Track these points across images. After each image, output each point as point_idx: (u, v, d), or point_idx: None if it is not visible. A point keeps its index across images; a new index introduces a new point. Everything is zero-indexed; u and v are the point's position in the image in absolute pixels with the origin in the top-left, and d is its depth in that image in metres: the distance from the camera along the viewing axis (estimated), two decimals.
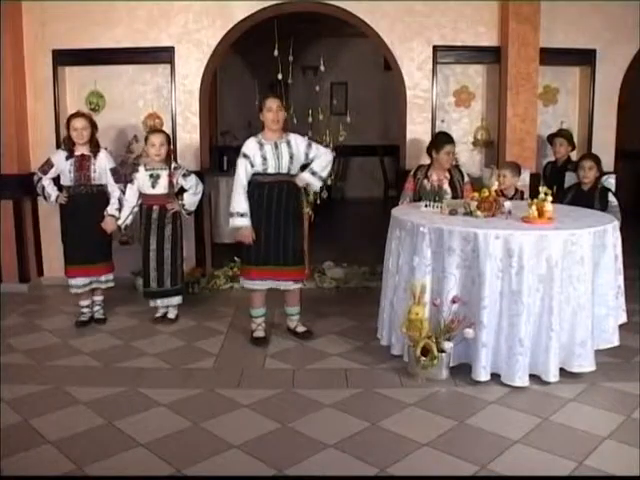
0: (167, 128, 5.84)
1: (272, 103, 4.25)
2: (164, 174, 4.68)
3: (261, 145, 4.25)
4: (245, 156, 4.25)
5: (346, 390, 3.64)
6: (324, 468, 2.86)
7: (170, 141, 4.81)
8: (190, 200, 4.80)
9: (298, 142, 4.34)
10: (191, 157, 5.87)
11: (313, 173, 4.36)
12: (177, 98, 5.81)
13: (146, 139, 4.71)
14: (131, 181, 4.70)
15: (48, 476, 2.81)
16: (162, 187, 4.68)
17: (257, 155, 4.23)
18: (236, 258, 5.99)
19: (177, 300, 4.85)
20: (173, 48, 5.75)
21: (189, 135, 5.87)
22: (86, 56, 5.71)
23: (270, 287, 4.39)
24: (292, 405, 3.46)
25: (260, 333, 4.43)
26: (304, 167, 4.40)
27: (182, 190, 4.82)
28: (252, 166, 4.24)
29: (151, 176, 4.66)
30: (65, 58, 5.74)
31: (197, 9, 5.73)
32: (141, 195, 4.71)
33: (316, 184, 4.44)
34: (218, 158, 7.78)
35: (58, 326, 4.75)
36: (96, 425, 3.23)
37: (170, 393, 3.58)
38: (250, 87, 9.51)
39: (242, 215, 4.23)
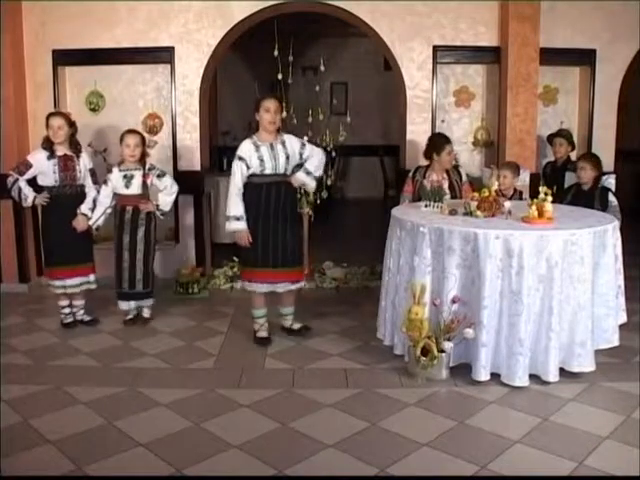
0: (167, 128, 5.87)
1: (270, 104, 4.22)
2: (138, 174, 4.64)
3: (257, 147, 4.23)
4: (241, 159, 4.22)
5: (346, 390, 3.64)
6: (324, 468, 2.86)
7: (145, 142, 4.77)
8: (164, 200, 4.75)
9: (292, 142, 4.34)
10: (191, 157, 5.87)
11: (308, 173, 4.35)
12: (177, 98, 5.81)
13: (121, 139, 4.66)
14: (105, 182, 4.67)
15: (48, 476, 2.81)
16: (136, 187, 4.64)
17: (253, 157, 4.20)
18: (235, 258, 6.00)
19: (150, 302, 4.84)
20: (173, 48, 5.76)
21: (189, 135, 5.87)
22: (86, 56, 5.71)
23: (269, 290, 4.38)
24: (292, 405, 3.46)
25: (263, 333, 4.43)
26: (297, 167, 4.38)
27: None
28: (248, 168, 4.22)
29: (125, 177, 4.63)
30: (65, 58, 5.74)
31: (197, 9, 5.73)
32: (115, 196, 4.68)
33: (311, 184, 4.43)
34: (218, 158, 7.78)
35: (58, 326, 4.74)
36: (96, 425, 3.23)
37: (170, 393, 3.58)
38: (250, 87, 9.51)
39: (238, 219, 4.22)
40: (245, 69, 10.34)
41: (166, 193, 4.76)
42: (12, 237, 5.67)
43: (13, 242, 5.67)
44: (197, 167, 5.89)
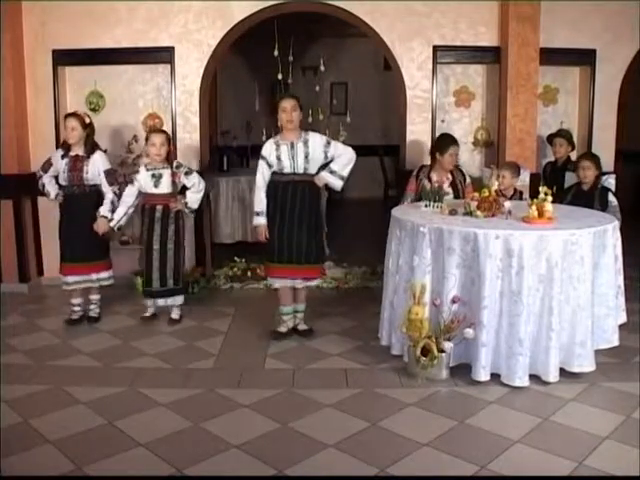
0: (167, 128, 5.84)
1: (286, 103, 4.28)
2: (166, 173, 4.67)
3: (277, 146, 4.31)
4: (262, 157, 4.35)
5: (346, 390, 3.64)
6: (324, 468, 2.86)
7: (170, 141, 4.80)
8: (193, 198, 4.78)
9: (316, 141, 4.36)
10: (191, 157, 5.87)
11: (332, 172, 4.37)
12: (177, 98, 5.81)
13: (146, 139, 4.70)
14: (131, 181, 4.69)
15: (48, 476, 2.81)
16: (165, 186, 4.66)
17: (273, 155, 4.30)
18: (236, 258, 6.01)
19: (180, 300, 4.85)
20: (173, 48, 5.76)
21: (189, 135, 5.87)
22: (86, 56, 5.71)
23: (287, 286, 4.43)
24: (292, 405, 3.46)
25: (283, 329, 4.48)
26: (324, 166, 4.41)
27: (185, 188, 4.81)
28: (270, 167, 4.32)
29: (153, 176, 4.65)
30: (65, 58, 5.74)
31: (197, 9, 5.73)
32: (142, 195, 4.70)
33: (336, 183, 4.43)
34: (218, 158, 7.77)
35: (58, 326, 4.75)
36: (96, 425, 3.23)
37: (170, 393, 3.58)
38: (250, 87, 9.55)
39: (258, 214, 4.37)
40: (245, 69, 10.34)
41: (194, 190, 4.77)
42: (12, 237, 5.66)
43: (13, 242, 5.67)
44: (197, 167, 5.89)
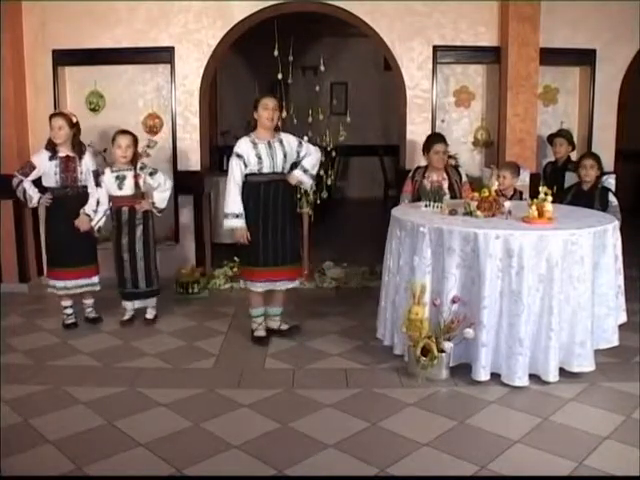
0: (167, 128, 5.88)
1: (268, 101, 4.24)
2: (130, 175, 4.61)
3: (254, 144, 4.23)
4: (239, 156, 4.21)
5: (346, 390, 3.64)
6: (324, 468, 2.86)
7: (137, 143, 4.73)
8: (160, 197, 4.72)
9: (290, 141, 4.35)
10: (191, 157, 5.88)
11: (305, 171, 4.35)
12: (177, 98, 5.82)
13: (113, 140, 4.63)
14: (99, 184, 4.64)
15: (48, 476, 2.81)
16: (129, 188, 4.61)
17: (251, 155, 4.21)
18: (236, 258, 5.99)
19: (152, 302, 4.83)
20: (173, 48, 5.76)
21: (189, 135, 5.87)
22: (86, 56, 5.72)
23: (269, 289, 4.38)
24: (292, 405, 3.46)
25: (261, 332, 4.43)
26: (293, 166, 4.38)
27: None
28: (246, 166, 4.22)
29: (117, 178, 4.60)
30: (65, 58, 5.75)
31: (197, 9, 5.74)
32: (110, 197, 4.67)
33: (308, 182, 4.43)
34: (218, 158, 7.78)
35: (58, 326, 4.74)
36: (96, 425, 3.23)
37: (170, 393, 3.58)
38: (250, 87, 9.52)
39: (237, 216, 4.21)
40: (245, 69, 10.34)
41: (161, 190, 4.72)
42: (12, 237, 5.67)
43: (13, 242, 5.68)
44: (197, 167, 5.90)
